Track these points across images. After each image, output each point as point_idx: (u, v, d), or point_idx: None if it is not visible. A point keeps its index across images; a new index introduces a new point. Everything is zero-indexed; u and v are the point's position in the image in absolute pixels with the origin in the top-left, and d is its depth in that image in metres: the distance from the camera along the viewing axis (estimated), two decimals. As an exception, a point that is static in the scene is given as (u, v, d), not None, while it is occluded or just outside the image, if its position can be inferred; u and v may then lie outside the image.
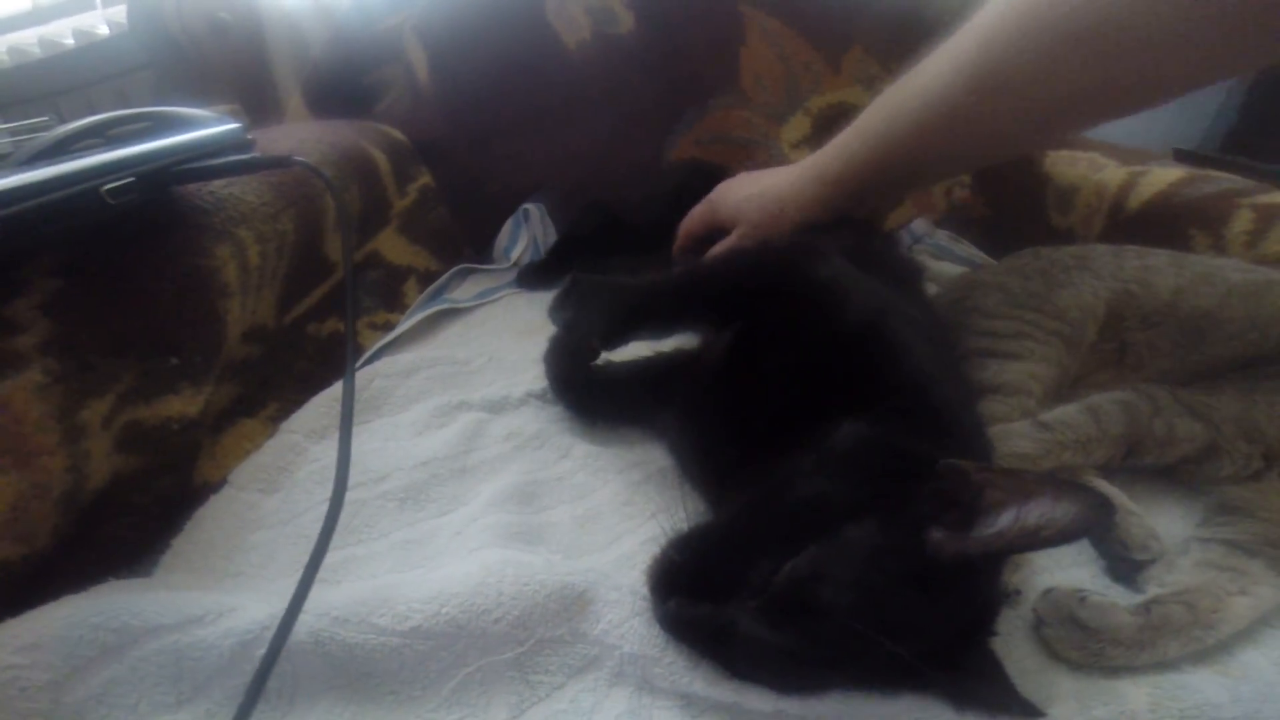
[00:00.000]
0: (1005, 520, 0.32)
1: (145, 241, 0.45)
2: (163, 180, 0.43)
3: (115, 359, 0.41)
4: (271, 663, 0.33)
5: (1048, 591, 0.42)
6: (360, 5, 0.90)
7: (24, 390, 0.36)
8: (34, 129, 0.93)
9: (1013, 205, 0.92)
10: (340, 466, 0.36)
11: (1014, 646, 0.42)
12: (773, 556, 0.35)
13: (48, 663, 0.33)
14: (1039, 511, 0.31)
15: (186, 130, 0.53)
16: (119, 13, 1.11)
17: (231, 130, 0.50)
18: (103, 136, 0.53)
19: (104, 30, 1.12)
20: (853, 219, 0.65)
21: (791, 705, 0.37)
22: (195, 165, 0.44)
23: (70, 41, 1.11)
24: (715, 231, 0.66)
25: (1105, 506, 0.31)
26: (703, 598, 0.36)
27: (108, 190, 0.38)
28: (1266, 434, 0.52)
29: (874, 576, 0.33)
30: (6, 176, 0.35)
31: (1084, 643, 0.41)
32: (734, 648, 0.36)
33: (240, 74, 0.97)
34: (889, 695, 0.37)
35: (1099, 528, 0.31)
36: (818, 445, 0.38)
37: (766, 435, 0.43)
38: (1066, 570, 0.48)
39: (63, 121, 0.58)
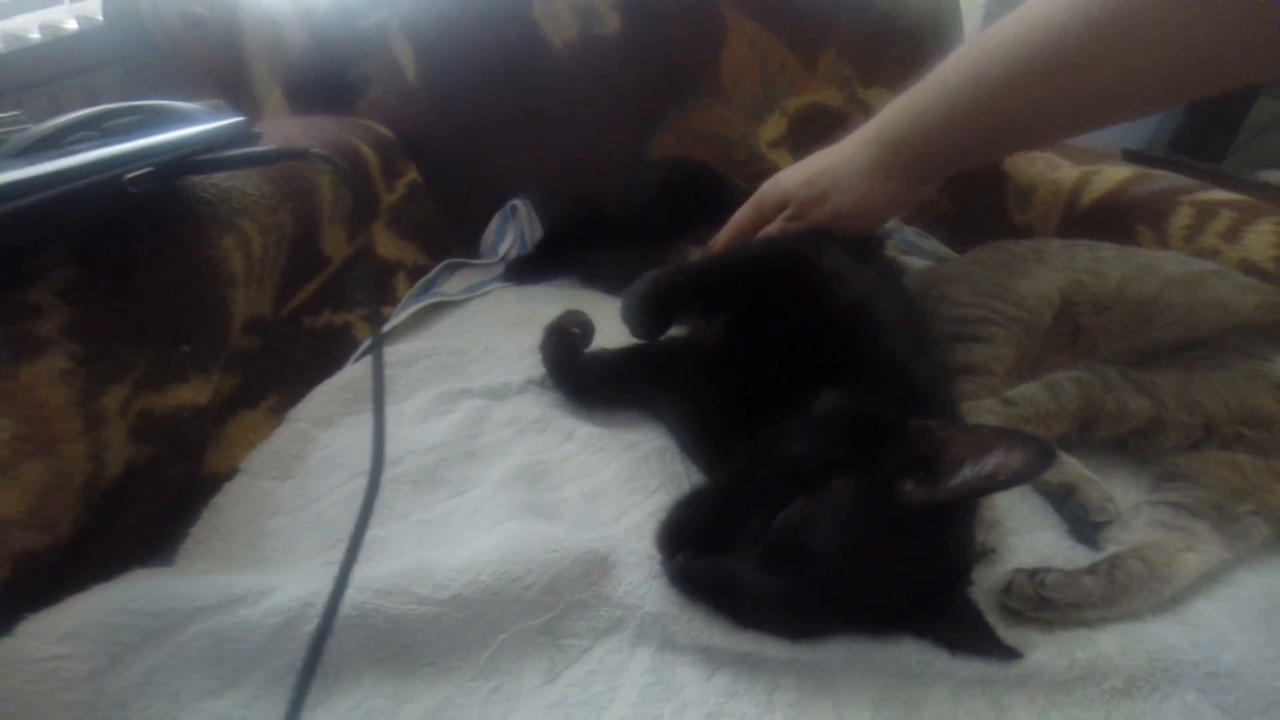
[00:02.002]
0: (967, 471, 0.36)
1: (154, 231, 0.45)
2: (178, 171, 0.43)
3: (131, 346, 0.41)
4: (325, 635, 0.33)
5: (1007, 588, 0.45)
6: (341, 3, 0.90)
7: (47, 375, 0.37)
8: (5, 123, 0.90)
9: (976, 203, 0.98)
10: (376, 440, 0.37)
11: (990, 606, 0.45)
12: (766, 510, 0.38)
13: (88, 651, 0.33)
14: (995, 461, 0.35)
15: (182, 123, 0.53)
16: (87, 7, 1.08)
17: (238, 123, 0.50)
18: (97, 129, 0.53)
19: (72, 25, 1.09)
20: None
21: (804, 653, 0.40)
22: (213, 156, 0.45)
23: (36, 36, 1.07)
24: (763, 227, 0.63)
25: (1049, 451, 0.34)
26: (707, 551, 0.39)
27: (129, 179, 0.38)
28: (1205, 407, 0.57)
29: (855, 524, 0.37)
30: (31, 165, 0.35)
31: (1057, 616, 0.44)
32: (739, 597, 0.39)
33: (216, 69, 0.95)
34: (887, 640, 0.41)
35: (1044, 470, 0.34)
36: (801, 411, 0.42)
37: (760, 409, 0.46)
38: (1034, 533, 0.52)
39: (31, 117, 0.57)
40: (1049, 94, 0.48)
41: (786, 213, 0.61)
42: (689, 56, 0.91)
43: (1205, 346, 0.62)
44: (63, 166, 0.36)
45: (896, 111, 0.55)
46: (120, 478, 0.42)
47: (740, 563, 0.38)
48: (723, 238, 0.66)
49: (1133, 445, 0.60)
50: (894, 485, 0.38)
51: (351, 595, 0.36)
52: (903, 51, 0.97)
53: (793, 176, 0.61)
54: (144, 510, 0.44)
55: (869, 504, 0.38)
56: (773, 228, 0.61)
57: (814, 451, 0.40)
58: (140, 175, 0.41)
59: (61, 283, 0.39)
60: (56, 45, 1.02)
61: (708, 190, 0.79)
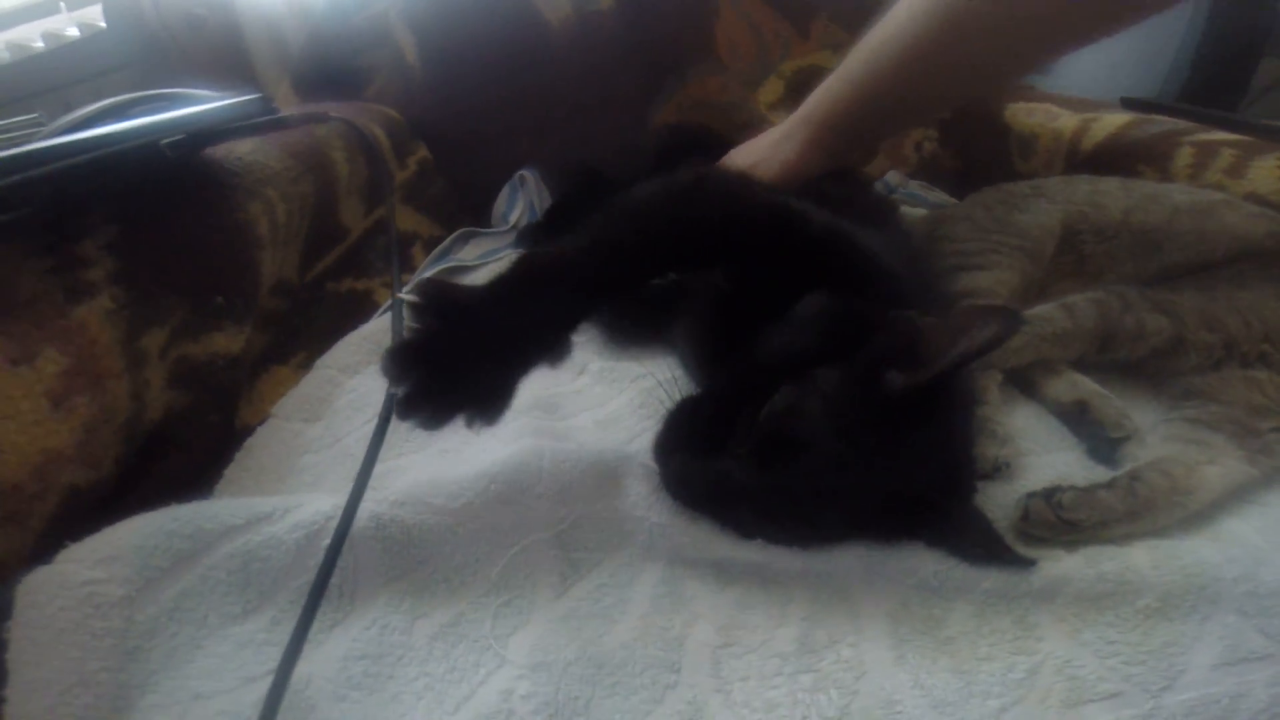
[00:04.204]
0: (950, 353, 0.37)
1: (188, 197, 0.48)
2: (208, 139, 0.46)
3: (170, 293, 0.44)
4: (338, 546, 0.35)
5: (1024, 515, 0.44)
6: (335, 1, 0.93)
7: (96, 315, 0.40)
8: (24, 125, 0.94)
9: (979, 155, 0.98)
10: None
11: (1008, 532, 0.44)
12: (752, 403, 0.38)
13: (124, 576, 0.33)
14: (970, 335, 0.36)
15: (205, 103, 0.56)
16: (88, 14, 1.11)
17: (256, 99, 0.53)
18: (124, 115, 0.56)
19: (74, 32, 1.12)
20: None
21: (817, 563, 0.40)
22: (239, 124, 0.47)
23: (40, 45, 1.10)
24: None
25: (1015, 317, 0.36)
26: (701, 454, 0.39)
27: (166, 144, 0.41)
28: (1226, 324, 0.56)
29: (841, 411, 0.37)
30: (77, 133, 0.38)
31: (1083, 536, 0.43)
32: (733, 497, 0.39)
33: (223, 66, 0.99)
34: (902, 551, 0.41)
35: (1015, 330, 0.36)
36: (788, 315, 0.42)
37: (756, 328, 0.45)
38: (1052, 453, 0.52)
39: (51, 121, 0.61)
40: (927, 76, 0.56)
41: None
42: (683, 29, 0.93)
43: (1221, 270, 0.62)
44: (110, 131, 0.40)
45: (818, 97, 0.63)
46: (160, 422, 0.45)
47: (731, 461, 0.38)
48: None
49: (1151, 367, 0.59)
50: (878, 374, 0.38)
51: (369, 507, 0.37)
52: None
53: (744, 153, 0.68)
54: (182, 454, 0.46)
55: (854, 392, 0.38)
56: None
57: (797, 344, 0.40)
58: (175, 141, 0.44)
59: (107, 238, 0.43)
60: (62, 53, 1.04)
61: (707, 153, 0.80)
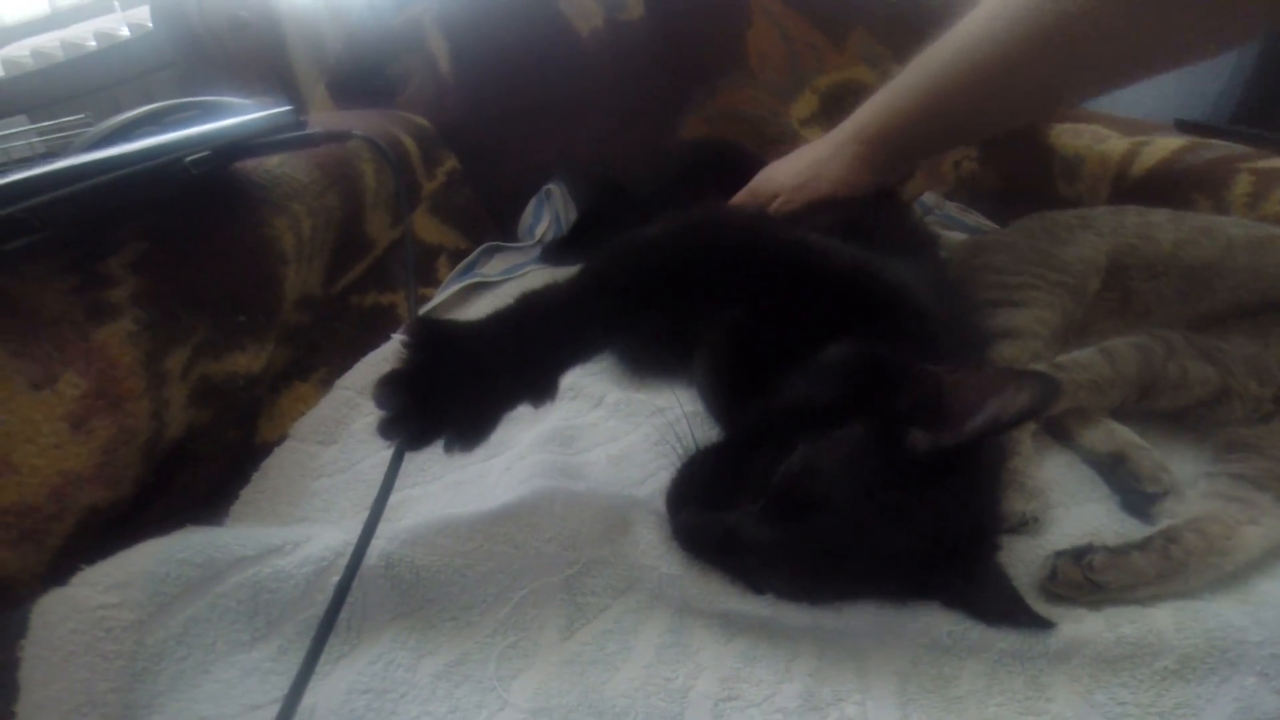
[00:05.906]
0: (976, 416, 0.35)
1: (214, 212, 0.49)
2: (234, 155, 0.47)
3: (192, 313, 0.44)
4: (348, 584, 0.35)
5: (1052, 575, 0.42)
6: (374, 2, 0.94)
7: (118, 337, 0.40)
8: (72, 126, 0.97)
9: (1021, 176, 0.95)
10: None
11: (1031, 586, 0.43)
12: (769, 461, 0.37)
13: (135, 601, 0.34)
14: (1003, 401, 0.35)
15: (235, 114, 0.56)
16: (139, 14, 1.14)
17: (285, 112, 0.54)
18: (159, 123, 0.57)
19: (125, 32, 1.15)
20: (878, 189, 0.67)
21: (827, 620, 0.39)
22: (264, 140, 0.48)
23: (92, 44, 1.14)
24: None
25: (1054, 387, 0.34)
26: (715, 507, 0.38)
27: (190, 161, 0.42)
28: (1277, 376, 0.53)
29: (859, 471, 0.36)
30: (100, 150, 0.39)
31: (1110, 597, 0.42)
32: (743, 552, 0.38)
33: (263, 69, 1.00)
34: (917, 610, 0.39)
35: (1050, 405, 0.35)
36: (810, 363, 0.41)
37: (778, 372, 0.44)
38: (1083, 505, 0.50)
39: (96, 120, 0.62)
40: (1000, 93, 0.54)
41: (779, 200, 0.64)
42: (714, 39, 0.91)
43: (1277, 313, 0.58)
44: (133, 149, 0.40)
45: (871, 111, 0.60)
46: (179, 440, 0.45)
47: (742, 516, 0.37)
48: None
49: (1194, 416, 0.56)
50: (901, 433, 0.37)
51: (379, 545, 0.37)
52: (936, 29, 0.95)
53: (784, 170, 0.65)
54: (200, 472, 0.47)
55: (874, 451, 0.36)
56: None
57: (818, 397, 0.39)
58: (199, 158, 0.44)
59: (132, 255, 0.43)
60: (113, 52, 1.08)
61: (736, 168, 0.79)
